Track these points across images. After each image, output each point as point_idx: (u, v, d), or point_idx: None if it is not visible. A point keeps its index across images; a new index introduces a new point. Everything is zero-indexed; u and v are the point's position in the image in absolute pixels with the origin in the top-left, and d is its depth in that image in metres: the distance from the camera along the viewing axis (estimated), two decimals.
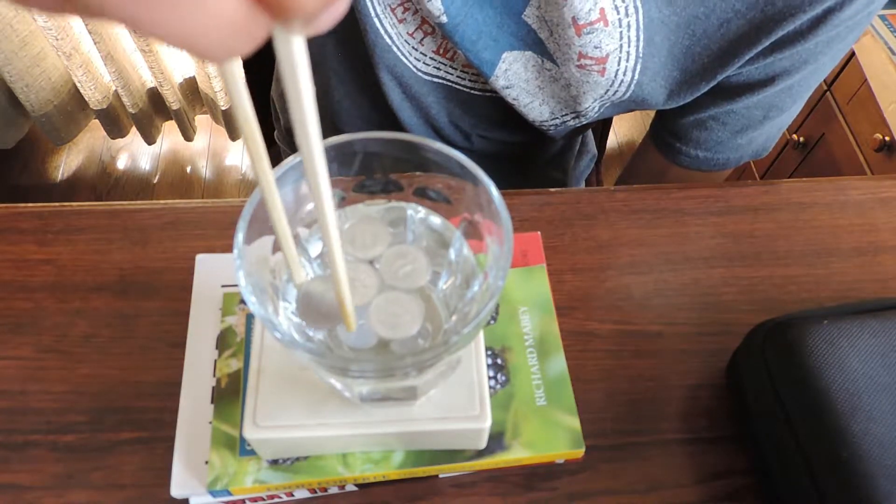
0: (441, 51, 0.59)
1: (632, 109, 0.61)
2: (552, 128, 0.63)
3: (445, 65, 0.60)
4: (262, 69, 0.82)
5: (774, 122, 0.60)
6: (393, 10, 0.57)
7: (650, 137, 0.68)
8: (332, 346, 0.32)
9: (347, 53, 0.65)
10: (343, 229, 0.33)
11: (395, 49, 0.59)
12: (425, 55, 0.60)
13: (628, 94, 0.55)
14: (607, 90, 0.55)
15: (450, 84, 0.62)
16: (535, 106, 0.59)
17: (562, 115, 0.60)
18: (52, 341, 0.46)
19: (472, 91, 0.62)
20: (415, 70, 0.61)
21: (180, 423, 0.39)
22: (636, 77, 0.53)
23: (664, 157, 0.66)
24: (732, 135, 0.61)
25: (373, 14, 0.57)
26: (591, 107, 0.58)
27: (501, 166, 0.73)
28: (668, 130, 0.64)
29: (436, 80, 0.62)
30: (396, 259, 0.33)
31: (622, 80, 0.54)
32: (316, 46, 0.67)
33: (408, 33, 0.59)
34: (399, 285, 0.32)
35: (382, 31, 0.58)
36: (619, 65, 0.52)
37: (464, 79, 0.61)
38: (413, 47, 0.59)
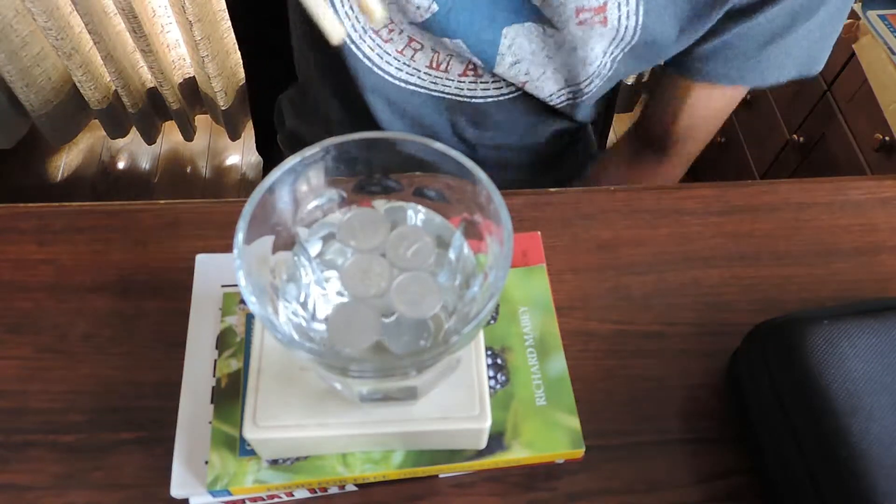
0: (434, 64, 0.59)
1: (649, 61, 0.57)
2: (567, 102, 0.61)
3: (441, 78, 0.60)
4: (269, 78, 0.82)
5: (807, 27, 0.55)
6: (377, 31, 0.57)
7: (666, 70, 0.63)
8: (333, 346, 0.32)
9: (332, 81, 0.65)
10: (343, 221, 0.33)
11: (378, 71, 0.59)
12: (419, 70, 0.60)
13: (636, 38, 0.53)
14: (613, 38, 0.53)
15: (449, 96, 0.62)
16: (547, 77, 0.58)
17: (576, 84, 0.59)
18: (52, 341, 0.46)
19: (473, 100, 0.62)
20: (405, 86, 0.60)
21: (180, 423, 0.39)
22: (640, 19, 0.51)
23: (692, 80, 0.61)
24: (760, 47, 0.56)
25: (347, 41, 0.57)
26: (603, 63, 0.56)
27: (504, 171, 0.73)
28: (691, 56, 0.59)
29: (434, 93, 0.61)
30: (401, 241, 0.33)
31: (626, 26, 0.52)
32: (304, 73, 0.68)
33: (397, 51, 0.58)
34: (410, 266, 0.32)
35: (361, 56, 0.58)
36: (619, 10, 0.51)
37: (462, 89, 0.61)
38: (405, 63, 0.59)
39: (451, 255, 0.33)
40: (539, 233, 0.45)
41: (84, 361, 0.45)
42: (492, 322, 0.42)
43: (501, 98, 0.61)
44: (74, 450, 0.42)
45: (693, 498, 0.42)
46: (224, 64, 1.50)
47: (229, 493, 0.37)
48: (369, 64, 0.59)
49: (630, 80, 1.72)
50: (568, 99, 0.61)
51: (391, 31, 0.57)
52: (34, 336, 0.46)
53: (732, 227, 0.53)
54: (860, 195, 0.56)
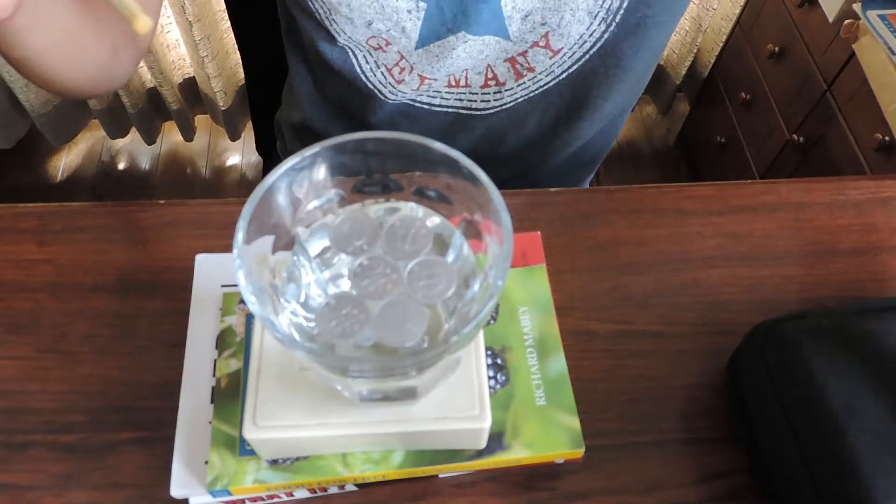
0: (452, 83, 0.59)
1: None
2: (605, 38, 0.56)
3: (465, 93, 0.60)
4: (269, 79, 0.82)
5: None
6: (389, 69, 0.58)
7: None
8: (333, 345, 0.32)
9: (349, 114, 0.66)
10: (333, 228, 0.33)
11: (392, 98, 0.60)
12: (439, 92, 0.60)
13: None
14: None
15: (476, 112, 0.62)
16: (566, 20, 0.53)
17: (601, 5, 0.54)
18: (52, 341, 0.46)
19: (503, 106, 0.61)
20: (428, 108, 0.61)
21: (180, 423, 0.39)
22: None
23: None
24: None
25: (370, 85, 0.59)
26: None
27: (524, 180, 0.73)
28: None
29: (461, 111, 0.62)
30: (396, 234, 0.32)
31: None
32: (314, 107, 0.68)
33: (413, 90, 0.59)
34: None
35: (375, 90, 0.60)
36: None
37: (487, 100, 0.61)
38: (423, 90, 0.60)
39: (451, 255, 0.33)
40: (539, 233, 0.45)
41: (84, 361, 0.45)
42: (492, 322, 0.42)
43: (532, 95, 0.60)
44: (74, 450, 0.42)
45: (693, 498, 0.42)
46: (224, 64, 1.50)
47: (229, 493, 0.37)
48: (383, 98, 0.61)
49: None
50: (604, 33, 0.56)
51: (402, 70, 0.57)
52: (34, 336, 0.46)
53: (732, 227, 0.53)
54: (860, 195, 0.56)
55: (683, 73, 1.63)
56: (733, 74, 1.48)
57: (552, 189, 0.55)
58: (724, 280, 0.50)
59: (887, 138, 1.06)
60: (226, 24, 1.45)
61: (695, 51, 1.58)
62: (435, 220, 0.34)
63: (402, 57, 0.57)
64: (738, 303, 0.49)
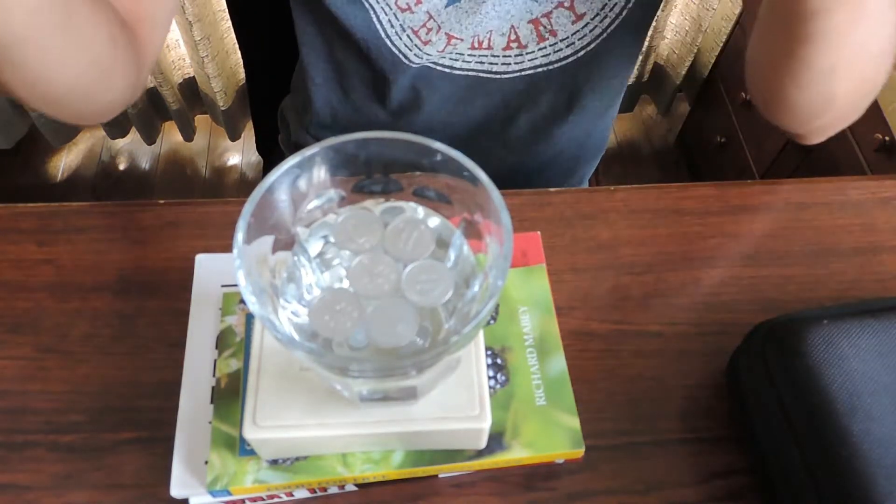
0: (475, 44, 0.59)
1: None
2: (617, 14, 0.58)
3: (487, 55, 0.61)
4: (269, 78, 0.81)
5: None
6: (415, 31, 0.58)
7: None
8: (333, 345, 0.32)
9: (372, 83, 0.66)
10: (337, 225, 0.33)
11: (417, 61, 0.60)
12: (462, 54, 0.60)
13: None
14: None
15: (496, 76, 0.62)
16: None
17: None
18: (52, 341, 0.46)
19: (522, 72, 0.62)
20: (449, 71, 0.61)
21: (180, 423, 0.39)
22: None
23: None
24: None
25: (385, 38, 0.58)
26: None
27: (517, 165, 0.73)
28: None
29: (481, 74, 0.62)
30: (399, 235, 0.32)
31: None
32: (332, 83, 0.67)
33: (438, 51, 0.59)
34: (414, 257, 0.32)
35: (398, 53, 0.60)
36: None
37: (508, 63, 0.61)
38: (447, 53, 0.60)
39: (451, 255, 0.33)
40: (539, 233, 0.45)
41: (84, 361, 0.45)
42: (492, 322, 0.42)
43: (550, 67, 0.61)
44: (74, 450, 0.42)
45: (693, 498, 0.42)
46: (224, 64, 1.50)
47: (229, 493, 0.37)
48: (406, 62, 0.60)
49: (631, 80, 1.72)
50: (623, 10, 0.58)
51: (429, 30, 0.57)
52: (34, 336, 0.46)
53: (732, 227, 0.53)
54: (860, 195, 0.56)
55: (683, 73, 1.63)
56: (733, 74, 1.48)
57: (552, 189, 0.55)
58: (724, 280, 0.50)
59: (887, 138, 1.06)
60: (226, 24, 1.45)
61: (695, 51, 1.58)
62: (435, 220, 0.34)
63: (431, 17, 0.57)
64: (738, 303, 0.49)
